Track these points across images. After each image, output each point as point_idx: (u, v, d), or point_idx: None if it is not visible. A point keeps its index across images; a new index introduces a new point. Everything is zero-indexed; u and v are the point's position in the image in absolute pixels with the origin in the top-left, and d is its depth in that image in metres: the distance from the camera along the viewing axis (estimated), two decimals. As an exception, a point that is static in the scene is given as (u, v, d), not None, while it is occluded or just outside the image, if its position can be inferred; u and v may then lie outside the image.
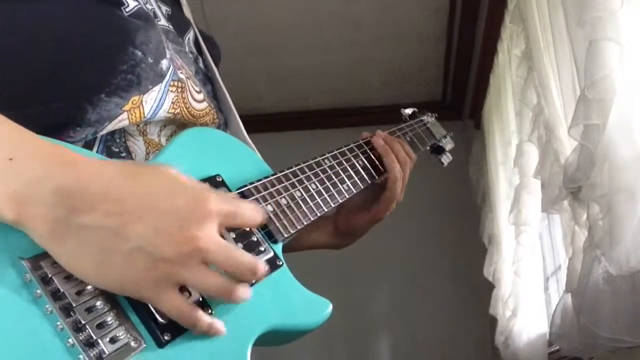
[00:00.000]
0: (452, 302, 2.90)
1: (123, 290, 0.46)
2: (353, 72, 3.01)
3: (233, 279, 0.49)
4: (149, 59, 0.58)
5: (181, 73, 0.66)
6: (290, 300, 0.61)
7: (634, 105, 0.97)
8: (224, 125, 0.77)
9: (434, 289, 2.97)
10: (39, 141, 0.46)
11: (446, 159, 1.11)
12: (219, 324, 0.50)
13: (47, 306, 0.44)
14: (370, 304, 2.98)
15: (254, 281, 0.52)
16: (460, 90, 3.04)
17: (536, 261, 1.84)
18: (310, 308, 0.62)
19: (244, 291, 0.50)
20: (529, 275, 1.84)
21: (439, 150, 1.10)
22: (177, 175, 0.49)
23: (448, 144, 1.12)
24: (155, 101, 0.61)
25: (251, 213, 0.53)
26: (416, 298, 2.97)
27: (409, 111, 1.08)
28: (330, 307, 0.63)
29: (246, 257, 0.50)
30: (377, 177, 0.85)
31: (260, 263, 0.50)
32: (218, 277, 0.48)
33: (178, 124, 0.68)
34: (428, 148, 1.06)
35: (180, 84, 0.65)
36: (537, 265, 1.85)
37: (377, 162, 0.86)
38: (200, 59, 0.79)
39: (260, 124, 2.89)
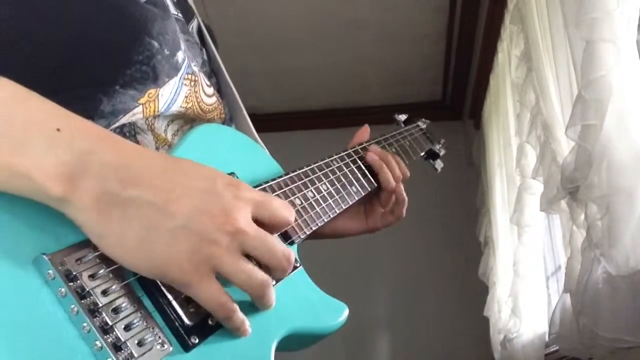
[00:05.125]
0: (452, 303, 2.90)
1: (162, 272, 0.44)
2: (353, 72, 3.01)
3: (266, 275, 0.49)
4: (165, 50, 0.56)
5: (194, 65, 0.65)
6: (309, 303, 0.60)
7: (631, 105, 0.97)
8: (229, 120, 0.76)
9: (433, 290, 2.97)
10: (80, 117, 0.45)
11: (439, 165, 1.11)
12: (247, 323, 0.49)
13: (73, 306, 0.41)
14: (369, 305, 2.99)
15: (274, 282, 0.51)
16: (460, 90, 3.04)
17: (537, 261, 1.84)
18: (329, 311, 0.61)
19: (272, 295, 0.50)
20: (530, 275, 1.84)
21: (434, 156, 1.11)
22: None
23: (442, 150, 1.12)
24: (170, 95, 0.59)
25: (282, 207, 0.52)
26: (416, 299, 2.97)
27: (402, 117, 1.08)
28: (347, 310, 0.62)
29: (282, 245, 0.50)
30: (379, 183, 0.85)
31: (293, 254, 0.50)
32: (257, 269, 0.48)
33: (185, 119, 0.66)
34: (424, 154, 1.06)
35: (193, 77, 0.63)
36: (538, 265, 1.85)
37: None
38: (204, 50, 0.76)
39: (260, 123, 2.89)
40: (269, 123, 3.09)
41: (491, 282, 2.29)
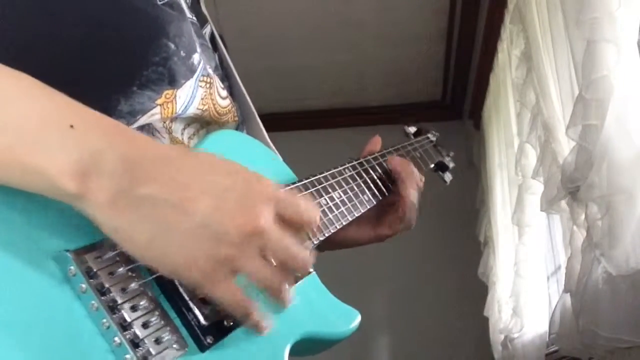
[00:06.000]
0: (452, 303, 2.90)
1: (178, 272, 0.44)
2: (353, 72, 3.01)
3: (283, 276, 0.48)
4: (181, 52, 0.56)
5: (209, 68, 0.65)
6: (322, 309, 0.60)
7: (631, 105, 0.97)
8: (242, 124, 0.76)
9: (433, 290, 2.96)
10: (94, 112, 0.44)
11: (448, 177, 1.11)
12: (267, 319, 0.49)
13: (93, 302, 0.42)
14: (370, 305, 2.98)
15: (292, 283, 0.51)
16: (460, 90, 3.04)
17: (538, 261, 1.84)
18: (342, 317, 0.62)
19: (289, 294, 0.50)
20: (531, 275, 1.84)
21: (443, 168, 1.10)
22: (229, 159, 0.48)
23: (451, 163, 1.12)
24: (187, 97, 0.59)
25: (307, 206, 0.50)
26: (415, 299, 2.97)
27: (412, 129, 1.08)
28: (359, 317, 0.63)
29: (302, 248, 0.49)
30: (389, 193, 0.85)
31: (310, 260, 0.50)
32: (274, 269, 0.47)
33: (201, 122, 0.66)
34: (433, 165, 1.06)
35: (209, 80, 0.63)
36: (539, 265, 1.85)
37: (385, 178, 0.86)
38: (216, 55, 0.77)
39: (260, 124, 2.89)
40: (268, 123, 3.08)
41: (491, 282, 2.30)
